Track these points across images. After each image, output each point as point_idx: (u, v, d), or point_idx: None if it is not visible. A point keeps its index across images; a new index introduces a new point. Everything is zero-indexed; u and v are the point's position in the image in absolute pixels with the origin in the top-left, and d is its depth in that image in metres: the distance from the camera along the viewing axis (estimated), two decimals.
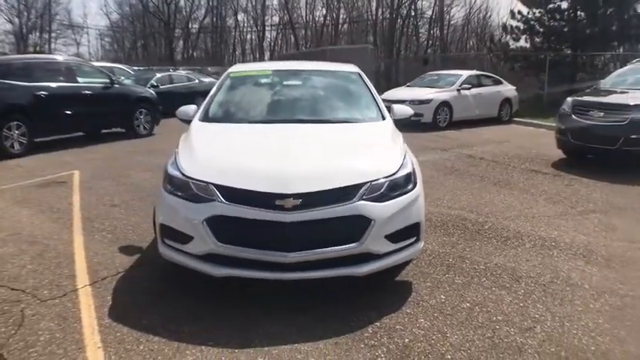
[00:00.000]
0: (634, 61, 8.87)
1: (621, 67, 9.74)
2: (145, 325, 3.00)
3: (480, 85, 14.03)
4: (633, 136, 6.74)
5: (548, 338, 2.91)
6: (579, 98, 7.79)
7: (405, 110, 4.53)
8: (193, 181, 3.21)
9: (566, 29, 17.26)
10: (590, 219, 5.12)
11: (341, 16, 43.28)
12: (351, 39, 39.76)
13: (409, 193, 3.33)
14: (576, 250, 4.27)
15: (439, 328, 3.02)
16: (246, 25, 49.90)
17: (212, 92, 4.56)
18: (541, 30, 18.07)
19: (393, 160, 3.47)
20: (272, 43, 49.52)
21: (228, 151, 3.55)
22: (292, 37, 45.02)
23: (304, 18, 45.84)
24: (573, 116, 7.64)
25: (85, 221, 4.98)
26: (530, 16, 18.22)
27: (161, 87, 14.30)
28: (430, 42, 39.90)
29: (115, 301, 3.32)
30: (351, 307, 3.24)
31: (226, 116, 4.29)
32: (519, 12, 18.73)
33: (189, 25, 47.26)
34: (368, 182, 3.18)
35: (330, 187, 3.09)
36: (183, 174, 3.29)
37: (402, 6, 36.57)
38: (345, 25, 44.19)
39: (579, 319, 3.12)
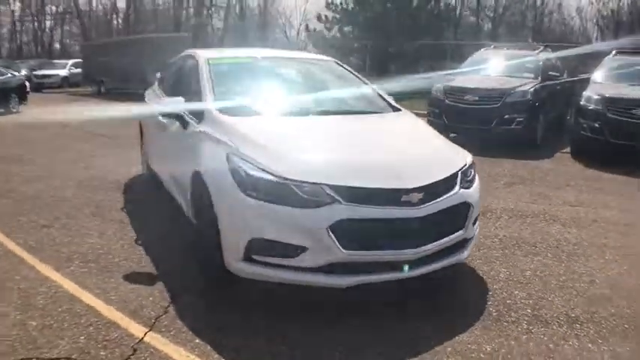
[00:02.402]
0: (482, 49, 10.41)
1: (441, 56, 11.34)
2: None
3: None
4: (506, 116, 8.04)
5: (614, 285, 3.46)
6: (451, 84, 8.84)
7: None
8: (297, 183, 2.79)
9: (377, 20, 19.17)
10: (520, 190, 5.97)
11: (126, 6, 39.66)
12: (156, 27, 36.83)
13: (477, 179, 3.48)
14: (547, 217, 4.93)
15: (537, 296, 3.30)
16: (23, 14, 42.33)
17: (203, 81, 3.90)
18: (354, 20, 19.74)
19: (457, 148, 3.59)
20: (51, 33, 43.06)
21: (312, 148, 3.15)
22: (79, 26, 39.55)
23: (86, 7, 40.81)
24: (447, 101, 8.67)
25: (32, 251, 3.83)
26: (344, 6, 19.74)
27: None
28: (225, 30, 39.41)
29: (216, 344, 2.66)
30: (441, 297, 3.28)
31: (247, 109, 3.75)
32: (332, 2, 20.14)
33: None
34: (460, 170, 3.24)
35: (441, 178, 3.07)
36: (278, 176, 2.83)
37: None
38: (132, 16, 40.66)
39: (621, 266, 3.77)
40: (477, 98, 8.35)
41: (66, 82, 24.17)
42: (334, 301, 3.08)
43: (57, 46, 41.11)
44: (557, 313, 3.08)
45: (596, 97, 7.30)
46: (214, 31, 37.65)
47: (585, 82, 8.54)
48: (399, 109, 4.19)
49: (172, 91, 4.62)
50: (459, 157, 3.40)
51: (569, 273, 3.66)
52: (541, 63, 8.93)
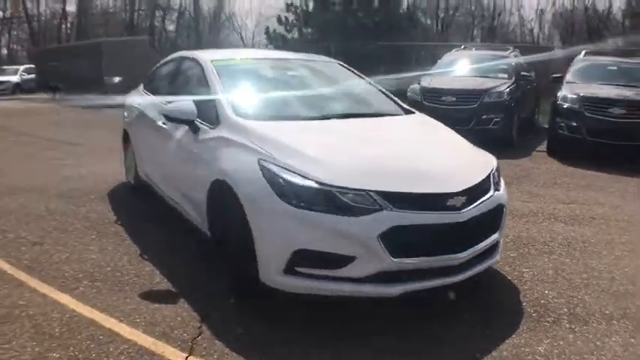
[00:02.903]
0: (453, 50, 10.56)
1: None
2: None
3: None
4: (484, 117, 8.18)
5: (634, 281, 3.53)
6: (428, 86, 8.91)
7: None
8: (342, 190, 2.67)
9: (337, 22, 19.12)
10: (510, 189, 5.63)
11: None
12: (106, 31, 35.27)
13: (502, 182, 3.46)
14: (547, 216, 4.99)
15: (567, 294, 3.33)
16: None
17: (213, 84, 3.70)
18: (314, 22, 19.65)
19: (481, 150, 3.57)
20: None
21: (348, 153, 3.01)
22: (28, 31, 37.41)
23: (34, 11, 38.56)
24: (425, 102, 8.71)
25: (30, 271, 3.51)
26: (303, 7, 19.64)
27: None
28: (185, 33, 38.41)
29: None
30: (476, 301, 3.23)
31: (267, 112, 3.59)
32: (292, 3, 19.99)
33: None
34: (491, 172, 3.22)
35: (478, 181, 3.04)
36: (322, 183, 2.69)
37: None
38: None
39: (633, 261, 3.88)
40: (454, 99, 8.46)
41: (18, 89, 23.18)
42: (367, 312, 2.97)
43: (4, 51, 38.88)
44: (591, 311, 3.10)
45: (572, 96, 7.56)
46: (167, 34, 36.70)
47: (552, 82, 8.86)
48: (412, 111, 4.14)
49: (168, 95, 4.37)
50: (488, 160, 3.38)
51: (588, 270, 3.71)
52: (513, 63, 9.17)
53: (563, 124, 7.53)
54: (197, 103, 3.60)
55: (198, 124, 3.56)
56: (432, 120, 4.06)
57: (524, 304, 3.19)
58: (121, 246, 4.00)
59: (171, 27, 36.21)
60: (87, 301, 3.11)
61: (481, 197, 2.98)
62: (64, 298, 3.14)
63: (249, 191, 2.85)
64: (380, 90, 4.42)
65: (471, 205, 2.87)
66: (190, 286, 3.33)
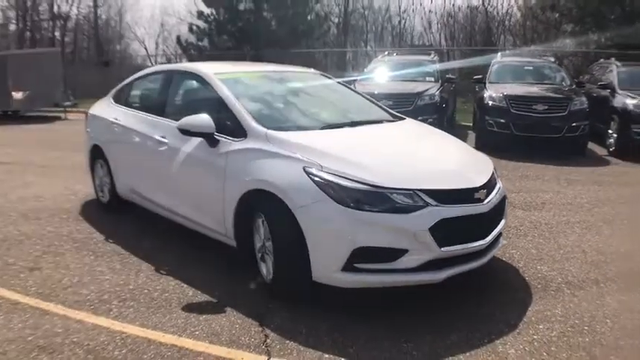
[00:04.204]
0: (380, 56, 11.17)
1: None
2: None
3: None
4: (419, 118, 8.77)
5: (601, 252, 4.19)
6: (364, 90, 9.27)
7: None
8: (392, 191, 2.94)
9: (250, 30, 19.23)
10: None
11: None
12: None
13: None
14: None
15: (556, 267, 3.87)
16: None
17: (228, 98, 3.74)
18: (228, 29, 19.56)
19: (475, 150, 4.02)
20: None
21: (383, 157, 3.29)
22: None
23: None
24: None
25: (45, 297, 3.32)
26: (215, 16, 19.45)
27: None
28: (84, 44, 35.76)
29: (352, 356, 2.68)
30: (483, 281, 3.64)
31: (287, 123, 3.74)
32: (202, 12, 19.72)
33: None
34: (493, 167, 3.67)
35: (490, 175, 3.46)
36: (373, 185, 2.94)
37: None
38: None
39: (593, 236, 4.57)
40: (391, 103, 8.90)
41: None
42: (424, 307, 3.27)
43: None
44: (581, 278, 3.66)
45: (498, 95, 8.45)
46: (65, 45, 33.94)
47: (473, 83, 9.80)
48: (402, 117, 4.49)
49: (162, 109, 4.36)
50: (486, 158, 3.84)
51: (562, 247, 4.31)
52: (438, 67, 9.99)
53: (492, 122, 8.39)
54: (211, 116, 3.64)
55: (217, 137, 3.60)
56: (426, 125, 4.46)
57: (526, 278, 3.67)
58: (129, 263, 3.89)
59: (67, 39, 33.47)
60: (130, 321, 3.04)
61: (493, 189, 3.40)
62: (104, 321, 3.03)
63: (298, 198, 2.99)
64: (364, 97, 4.73)
65: (489, 196, 3.28)
66: (227, 293, 3.37)
